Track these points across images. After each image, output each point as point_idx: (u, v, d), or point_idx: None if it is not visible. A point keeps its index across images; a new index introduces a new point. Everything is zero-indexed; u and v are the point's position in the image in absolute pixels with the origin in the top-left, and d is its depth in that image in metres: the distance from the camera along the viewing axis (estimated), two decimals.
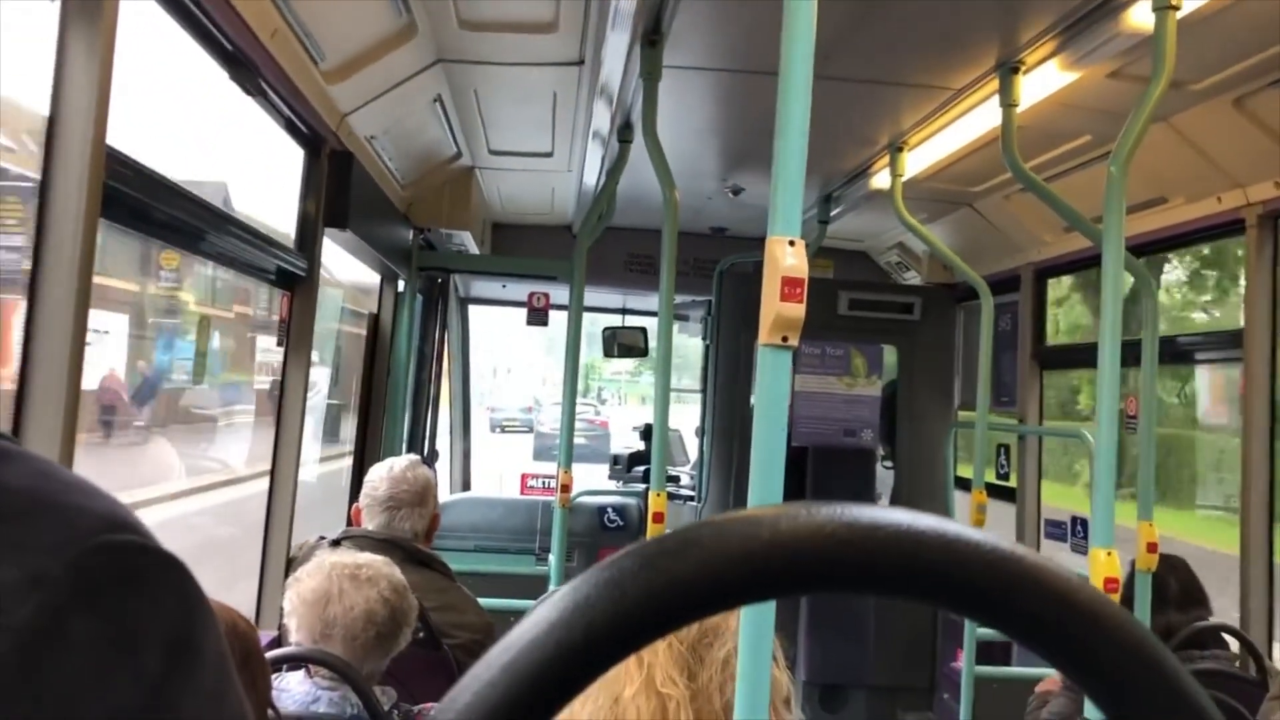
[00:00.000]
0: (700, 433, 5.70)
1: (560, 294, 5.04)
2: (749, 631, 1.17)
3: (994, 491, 4.49)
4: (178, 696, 0.47)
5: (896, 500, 5.14)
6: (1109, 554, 2.23)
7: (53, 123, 1.49)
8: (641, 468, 6.38)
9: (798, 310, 1.30)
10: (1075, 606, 0.35)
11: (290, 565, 3.05)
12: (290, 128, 2.90)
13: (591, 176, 4.26)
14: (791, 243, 1.31)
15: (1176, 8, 2.15)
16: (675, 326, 3.44)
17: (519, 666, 0.33)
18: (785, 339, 1.31)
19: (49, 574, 0.44)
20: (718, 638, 1.13)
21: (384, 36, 2.81)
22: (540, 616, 0.34)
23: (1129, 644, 0.35)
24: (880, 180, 4.01)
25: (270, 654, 2.06)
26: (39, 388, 1.45)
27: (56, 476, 0.49)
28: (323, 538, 3.09)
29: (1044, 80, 2.85)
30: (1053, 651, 0.36)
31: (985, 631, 3.99)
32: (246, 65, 2.35)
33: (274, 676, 2.03)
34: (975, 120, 3.26)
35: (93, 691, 0.44)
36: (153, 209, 2.05)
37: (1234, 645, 2.98)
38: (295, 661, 2.09)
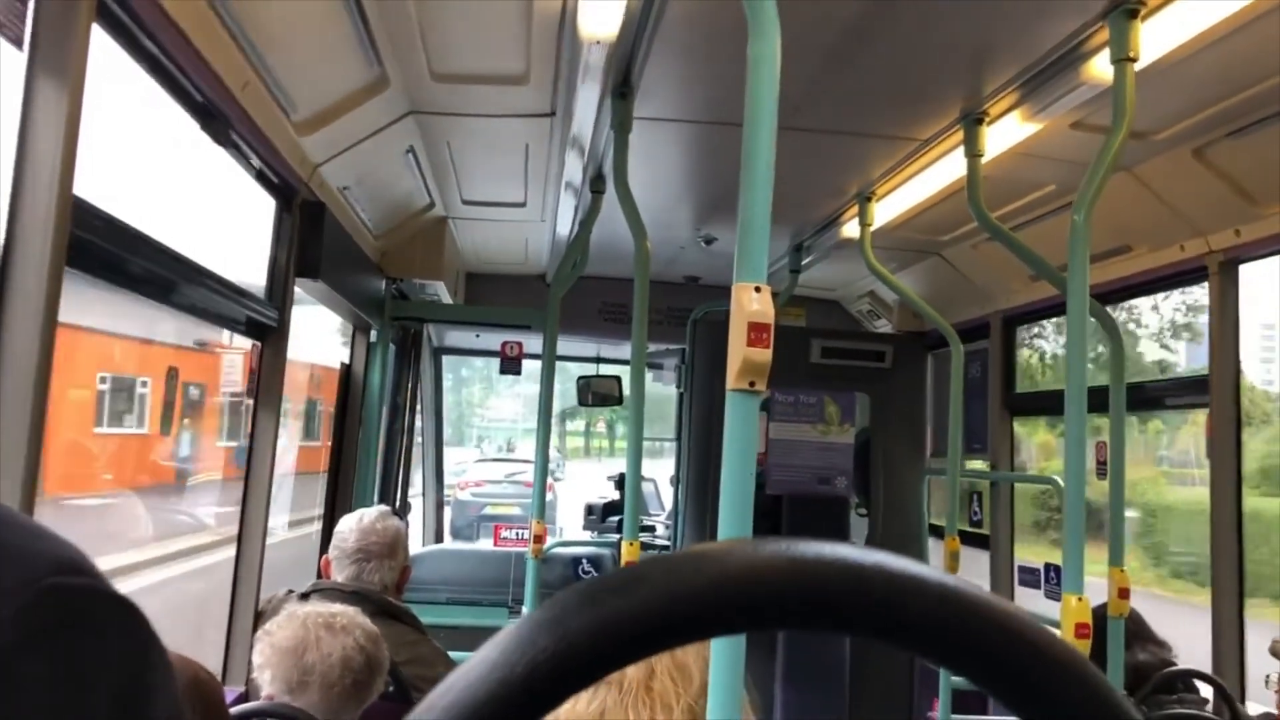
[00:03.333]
0: (675, 481, 5.68)
1: (534, 343, 5.04)
2: (719, 674, 1.16)
3: (967, 538, 4.49)
4: None
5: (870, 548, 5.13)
6: (1080, 600, 2.23)
7: (18, 171, 1.48)
8: (616, 517, 6.35)
9: (764, 355, 1.31)
10: (1019, 640, 0.35)
11: (259, 618, 3.01)
12: (262, 178, 2.90)
13: (565, 226, 4.28)
14: (758, 288, 1.32)
15: (1135, 60, 2.20)
16: (649, 375, 3.44)
17: (460, 706, 0.33)
18: (753, 384, 1.32)
19: None
20: (683, 679, 1.12)
21: (356, 88, 2.82)
22: (482, 656, 0.34)
23: (1062, 666, 0.35)
24: (850, 229, 4.05)
25: (236, 709, 2.03)
26: (1, 437, 1.43)
27: (11, 521, 0.49)
28: (290, 591, 3.05)
29: (1008, 131, 2.90)
30: (997, 687, 0.36)
31: (961, 680, 3.97)
32: (218, 117, 2.35)
33: None
34: (942, 170, 3.31)
35: None
36: (122, 259, 2.04)
37: (1204, 690, 2.98)
38: (262, 716, 2.06)
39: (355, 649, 2.11)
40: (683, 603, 0.34)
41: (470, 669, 0.34)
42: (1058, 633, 0.36)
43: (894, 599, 0.34)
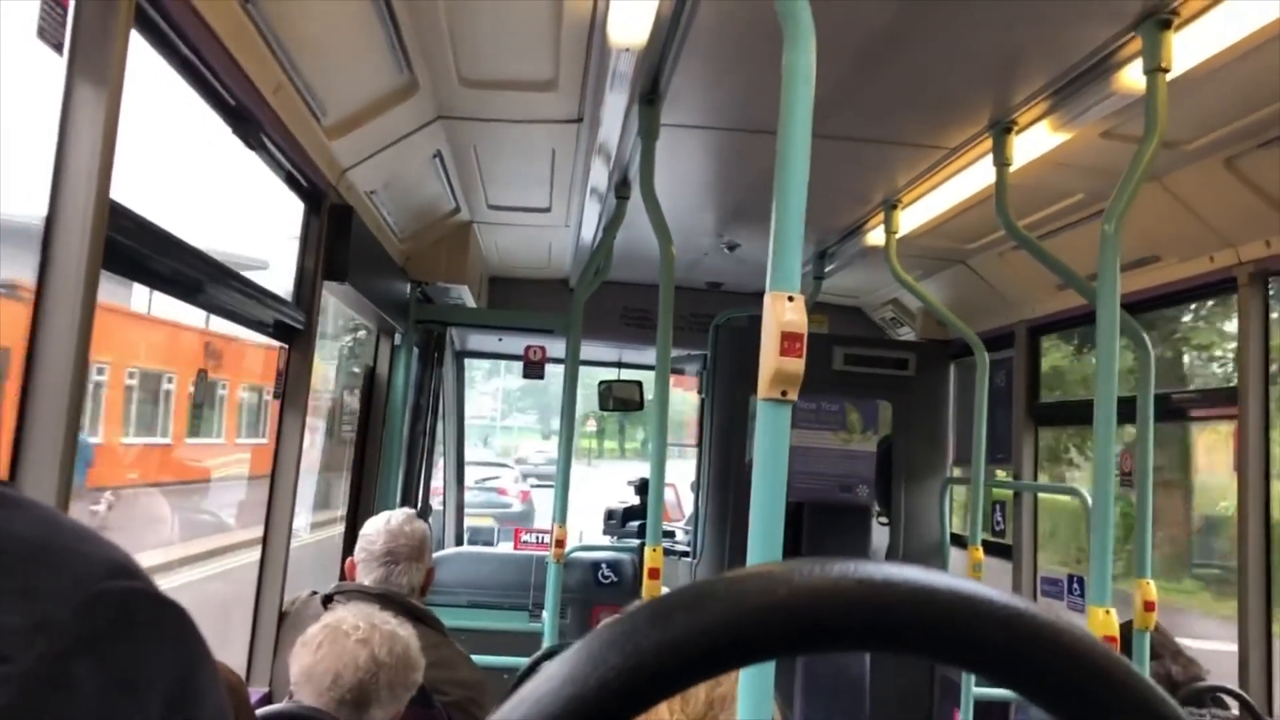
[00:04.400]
0: (696, 488, 5.67)
1: (556, 347, 5.05)
2: (748, 695, 1.16)
3: (990, 549, 4.47)
4: None
5: (892, 557, 5.11)
6: (1107, 612, 2.22)
7: (57, 174, 1.50)
8: (636, 523, 6.34)
9: (797, 365, 1.30)
10: (1091, 666, 0.34)
11: (283, 619, 3.02)
12: (291, 181, 2.92)
13: (589, 232, 4.29)
14: (790, 298, 1.32)
15: (1167, 70, 2.19)
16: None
17: None
18: (784, 393, 1.32)
19: (54, 621, 0.44)
20: (725, 710, 1.12)
21: (385, 93, 2.84)
22: (553, 671, 0.34)
23: (1143, 704, 0.35)
24: (875, 237, 4.04)
25: (261, 711, 2.04)
26: (36, 439, 1.44)
27: (62, 524, 0.50)
28: (314, 592, 3.07)
29: (1037, 140, 2.89)
30: (1062, 708, 0.35)
31: (982, 692, 3.95)
32: (249, 120, 2.37)
33: None
34: (969, 179, 3.30)
35: None
36: (152, 261, 2.05)
37: (1233, 706, 2.95)
38: (285, 719, 2.07)
39: (371, 661, 2.11)
40: (752, 623, 0.34)
41: (541, 684, 0.34)
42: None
43: (962, 622, 0.34)
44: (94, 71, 1.53)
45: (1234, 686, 3.03)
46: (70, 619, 0.44)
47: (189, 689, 0.48)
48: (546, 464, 27.91)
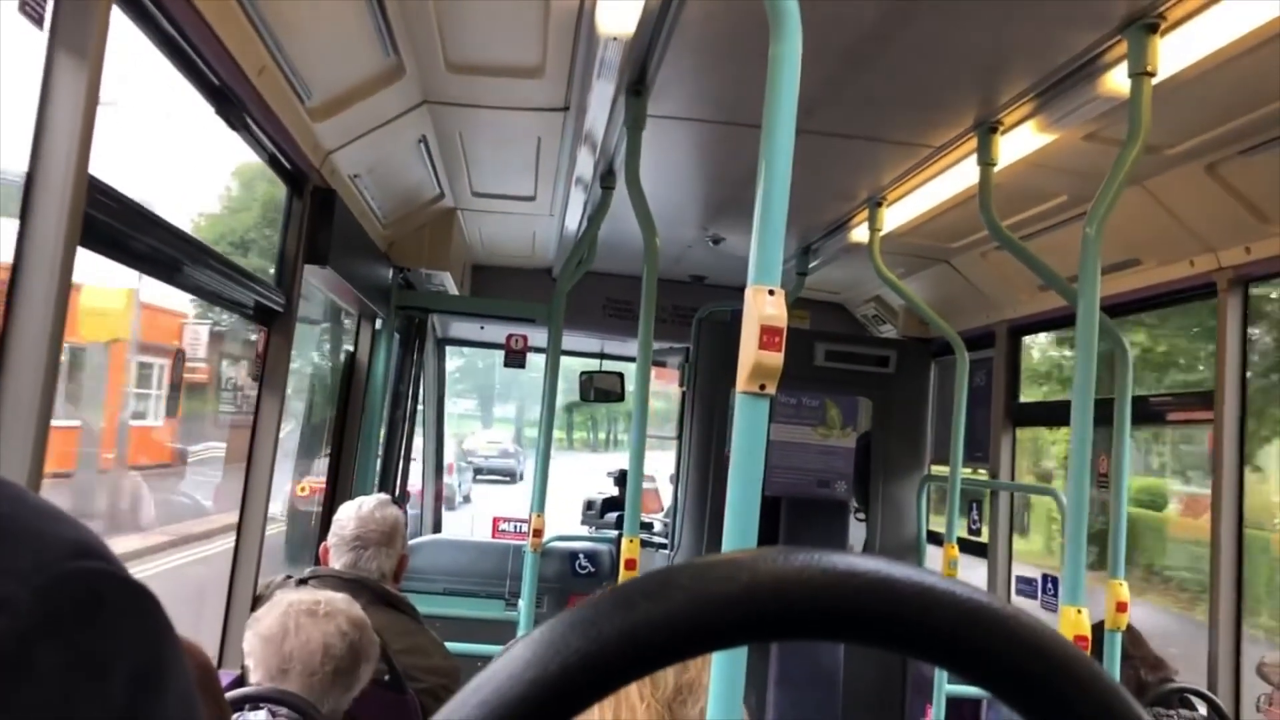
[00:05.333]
0: (675, 479, 5.68)
1: (539, 337, 5.05)
2: (720, 681, 1.17)
3: (965, 546, 4.49)
4: None
5: (869, 553, 5.13)
6: (1079, 612, 2.23)
7: (35, 149, 1.48)
8: (614, 514, 6.35)
9: (776, 359, 1.31)
10: (1050, 659, 0.35)
11: (256, 603, 3.01)
12: (274, 163, 2.90)
13: (573, 221, 4.28)
14: (771, 291, 1.32)
15: (1152, 74, 2.20)
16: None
17: (492, 704, 0.33)
18: (763, 386, 1.32)
19: (15, 600, 0.43)
20: (692, 694, 1.13)
21: (371, 76, 2.82)
22: (515, 654, 0.34)
23: (1101, 696, 0.35)
24: (859, 234, 4.05)
25: (231, 693, 2.03)
26: (8, 415, 1.43)
27: (27, 502, 0.49)
28: (289, 576, 3.05)
29: (1022, 140, 2.90)
30: (1022, 702, 0.36)
31: (954, 689, 3.98)
32: (233, 101, 2.35)
33: (235, 716, 2.00)
34: (953, 178, 3.31)
35: None
36: (131, 239, 2.04)
37: (1200, 707, 2.98)
38: (256, 701, 2.06)
39: (337, 635, 2.10)
40: (714, 609, 0.34)
41: (502, 667, 0.34)
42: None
43: (924, 614, 0.34)
44: (75, 47, 1.51)
45: (1203, 688, 3.06)
46: (32, 599, 0.44)
47: (154, 672, 0.48)
48: (500, 457, 26.96)
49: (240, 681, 2.32)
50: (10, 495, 0.48)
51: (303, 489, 5.34)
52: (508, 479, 24.80)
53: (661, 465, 8.04)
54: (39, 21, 1.46)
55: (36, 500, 0.50)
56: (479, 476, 22.88)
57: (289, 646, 2.06)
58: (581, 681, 0.33)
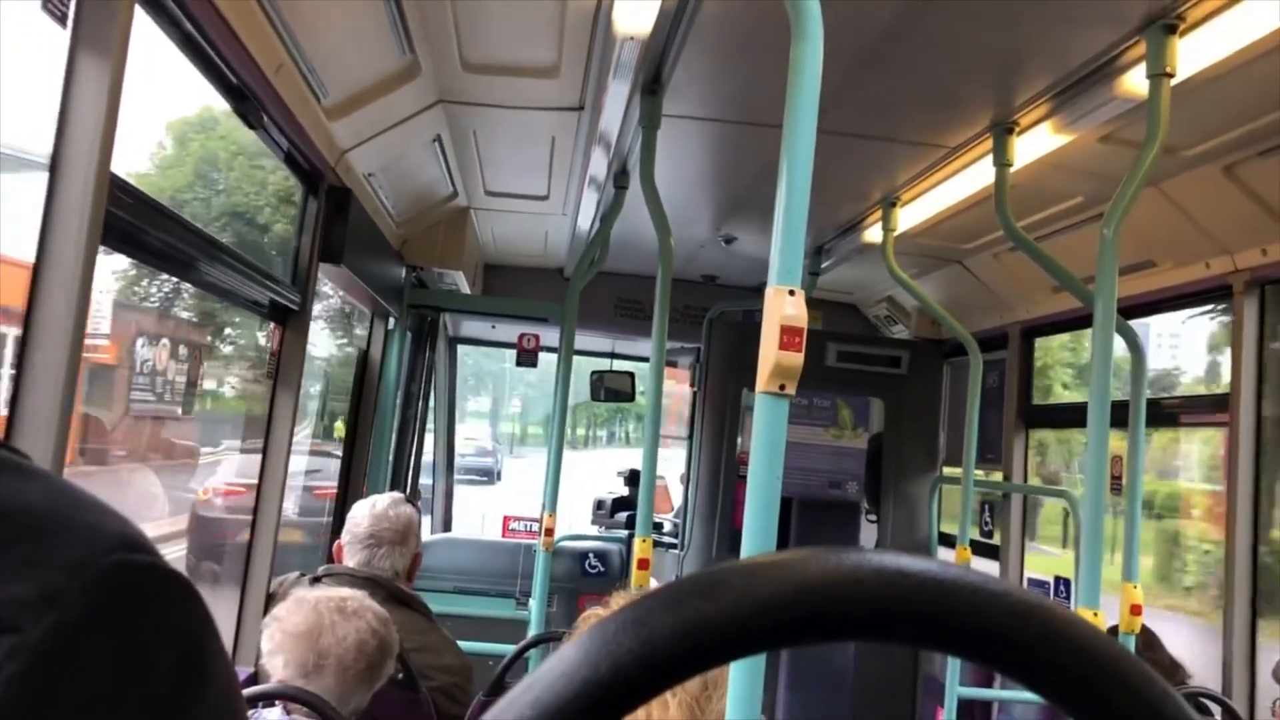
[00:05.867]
0: (685, 480, 5.69)
1: (550, 336, 5.05)
2: (739, 682, 1.17)
3: (977, 549, 4.48)
4: (187, 716, 0.47)
5: None
6: (1095, 615, 2.23)
7: (58, 148, 1.49)
8: (625, 513, 6.35)
9: (796, 359, 1.31)
10: (1103, 662, 0.34)
11: (270, 600, 3.02)
12: (290, 162, 2.91)
13: (586, 221, 4.29)
14: (792, 292, 1.32)
15: (1171, 75, 2.19)
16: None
17: (544, 703, 0.33)
18: (783, 387, 1.32)
19: (64, 592, 0.44)
20: (716, 690, 1.13)
21: (387, 75, 2.83)
22: (566, 654, 0.34)
23: (1154, 701, 0.35)
24: (872, 234, 4.04)
25: (248, 691, 2.03)
26: (31, 411, 1.44)
27: (74, 495, 0.50)
28: (302, 574, 3.06)
29: (1038, 141, 2.89)
30: (1073, 705, 0.36)
31: (966, 690, 3.97)
32: (250, 99, 2.36)
33: (250, 713, 2.01)
34: (968, 178, 3.30)
35: (105, 711, 0.44)
36: (150, 237, 2.04)
37: (1215, 711, 2.98)
38: (271, 699, 2.07)
39: (369, 632, 2.12)
40: (766, 610, 0.34)
41: (554, 665, 0.34)
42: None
43: (977, 613, 0.34)
44: (97, 45, 1.52)
45: (1217, 692, 3.05)
46: (80, 591, 0.45)
47: (196, 663, 0.49)
48: (476, 456, 25.71)
49: (254, 679, 2.33)
50: (55, 487, 0.49)
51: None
52: (485, 479, 23.99)
53: (666, 465, 8.02)
54: (62, 20, 1.47)
55: (81, 493, 0.51)
56: (455, 476, 22.68)
57: (325, 643, 2.08)
58: (633, 682, 0.33)
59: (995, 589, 0.35)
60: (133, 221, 1.87)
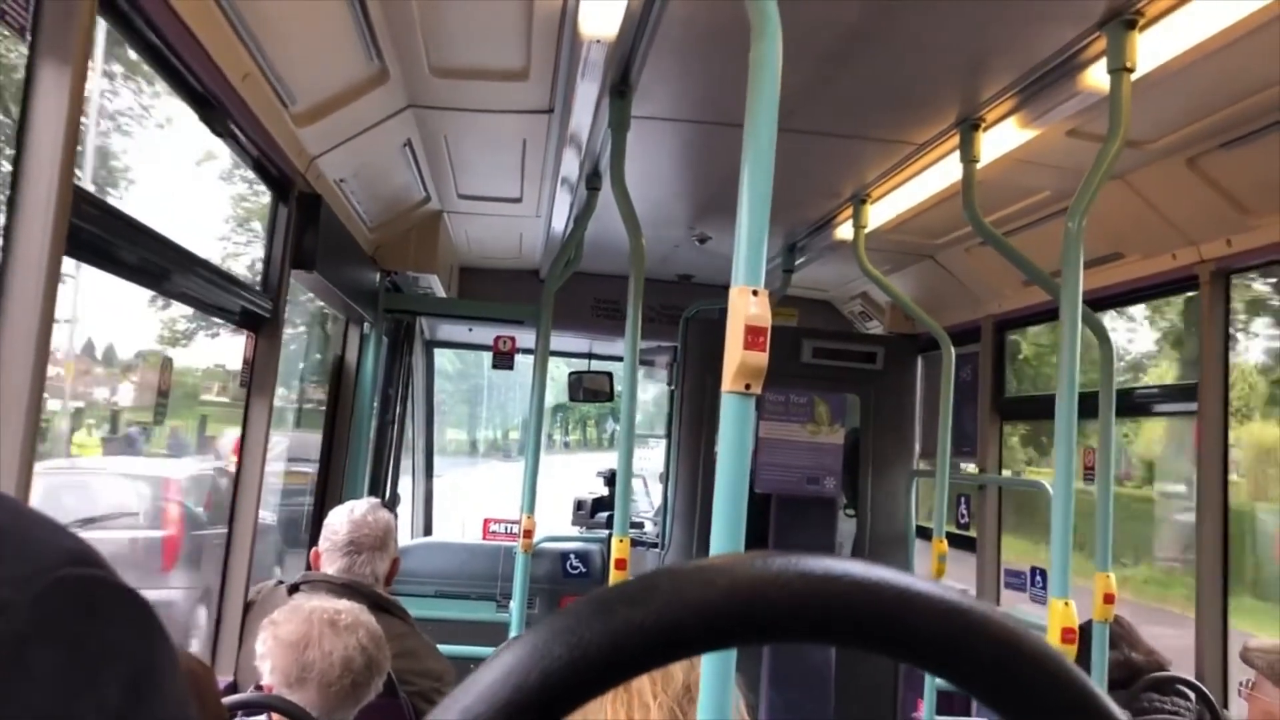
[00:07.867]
0: (664, 479, 5.69)
1: (526, 338, 5.04)
2: (709, 682, 1.18)
3: (954, 541, 4.51)
4: None
5: (858, 549, 5.16)
6: (1066, 604, 2.25)
7: (19, 159, 1.48)
8: (604, 514, 6.36)
9: (760, 359, 1.31)
10: (1022, 656, 0.35)
11: (248, 609, 3.01)
12: (259, 169, 2.90)
13: (560, 222, 4.29)
14: (755, 292, 1.33)
15: (1132, 70, 2.21)
16: (640, 372, 3.45)
17: (475, 711, 0.34)
18: (748, 386, 1.33)
19: (11, 604, 0.44)
20: (699, 691, 1.14)
21: (355, 81, 2.82)
22: (497, 662, 0.34)
23: (1077, 695, 0.36)
24: (844, 231, 4.06)
25: (228, 700, 2.03)
26: None
27: (22, 513, 0.50)
28: (280, 581, 3.05)
29: (1004, 137, 2.91)
30: (999, 702, 0.37)
31: (946, 683, 3.99)
32: (217, 107, 2.35)
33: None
34: (937, 174, 3.32)
35: None
36: (117, 247, 2.04)
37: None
38: (254, 708, 2.07)
39: (357, 649, 2.11)
40: (694, 615, 0.35)
41: (484, 675, 0.34)
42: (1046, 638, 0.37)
43: (899, 614, 0.35)
44: (58, 56, 1.51)
45: (1190, 678, 3.08)
46: (28, 604, 0.45)
47: (147, 675, 0.49)
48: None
49: (233, 687, 2.33)
50: (8, 507, 0.50)
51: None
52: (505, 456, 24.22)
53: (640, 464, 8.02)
54: (21, 32, 1.46)
55: (32, 512, 0.52)
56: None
57: (310, 655, 2.07)
58: (563, 688, 0.34)
59: (920, 589, 0.36)
60: (99, 233, 1.86)
